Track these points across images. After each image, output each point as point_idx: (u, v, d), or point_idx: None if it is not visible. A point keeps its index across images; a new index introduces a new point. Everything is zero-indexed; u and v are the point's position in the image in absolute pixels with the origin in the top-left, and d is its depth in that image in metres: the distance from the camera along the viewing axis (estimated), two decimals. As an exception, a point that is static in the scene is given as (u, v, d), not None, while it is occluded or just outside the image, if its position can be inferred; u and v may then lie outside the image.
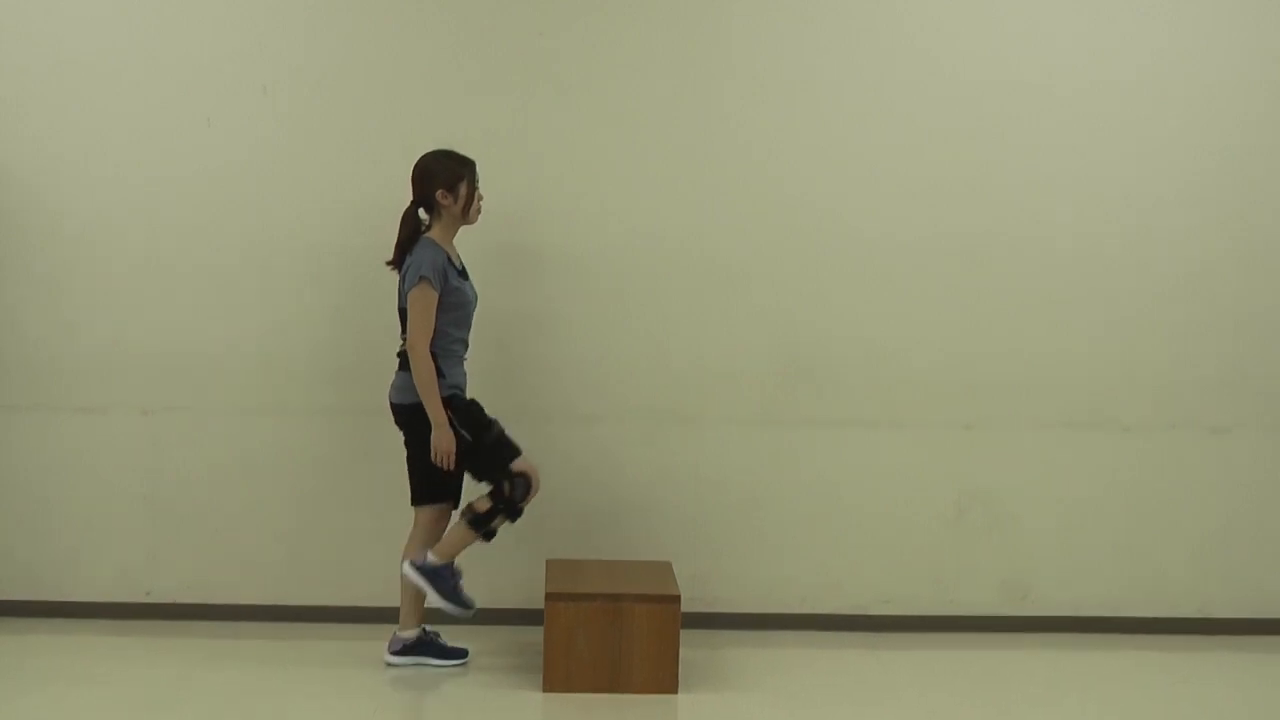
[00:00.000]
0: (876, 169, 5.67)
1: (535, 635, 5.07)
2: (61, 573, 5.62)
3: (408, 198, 5.55)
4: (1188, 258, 5.74)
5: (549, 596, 4.93)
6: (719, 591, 5.68)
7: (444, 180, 5.02)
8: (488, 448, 5.02)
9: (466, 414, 5.03)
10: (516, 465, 5.04)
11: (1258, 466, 5.79)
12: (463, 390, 5.09)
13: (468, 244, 5.23)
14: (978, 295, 5.71)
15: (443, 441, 4.94)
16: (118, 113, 5.56)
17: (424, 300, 4.93)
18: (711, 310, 5.67)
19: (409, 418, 5.03)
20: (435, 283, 4.93)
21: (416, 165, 5.06)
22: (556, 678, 4.91)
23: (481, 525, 5.02)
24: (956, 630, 5.70)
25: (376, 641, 5.25)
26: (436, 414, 4.94)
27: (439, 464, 4.96)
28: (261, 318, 5.61)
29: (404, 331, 5.04)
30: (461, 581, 5.07)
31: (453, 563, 5.05)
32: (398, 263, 5.05)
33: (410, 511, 5.14)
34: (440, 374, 4.97)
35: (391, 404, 5.08)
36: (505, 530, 5.08)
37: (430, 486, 5.07)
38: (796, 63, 5.64)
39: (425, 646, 5.13)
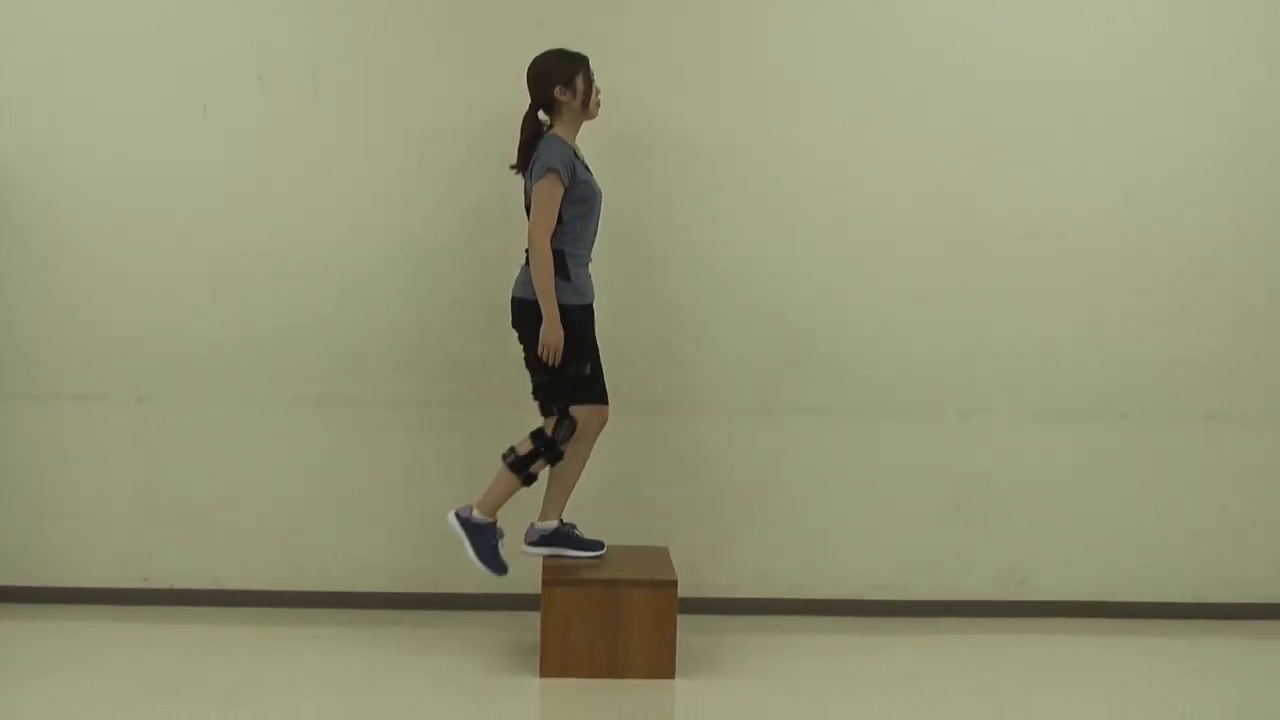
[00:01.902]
0: (873, 160, 5.68)
1: (532, 621, 5.07)
2: (59, 559, 5.63)
3: (404, 191, 5.58)
4: (1185, 247, 5.75)
5: (546, 582, 4.94)
6: (716, 577, 5.69)
7: (561, 77, 5.01)
8: (569, 378, 4.98)
9: (579, 333, 4.96)
10: (578, 410, 5.00)
11: (1254, 454, 5.80)
12: (588, 294, 5.04)
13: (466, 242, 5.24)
14: (974, 284, 5.72)
15: (551, 335, 4.90)
16: (114, 103, 5.56)
17: (551, 192, 4.90)
18: (708, 299, 5.67)
19: (528, 315, 4.97)
20: (564, 176, 4.91)
21: (530, 68, 5.05)
22: (554, 663, 4.91)
23: (523, 468, 5.00)
24: (953, 616, 5.72)
25: (374, 628, 5.26)
26: (549, 307, 4.89)
27: (544, 358, 4.92)
28: (259, 307, 5.61)
29: None
30: (501, 542, 5.07)
31: (495, 522, 5.04)
32: (522, 166, 5.03)
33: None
34: (566, 276, 4.94)
35: (514, 299, 5.01)
36: (502, 516, 5.08)
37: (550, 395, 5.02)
38: (794, 58, 5.64)
39: (563, 538, 5.12)
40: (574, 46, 5.50)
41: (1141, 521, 5.79)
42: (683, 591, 5.02)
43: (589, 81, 5.06)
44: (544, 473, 5.10)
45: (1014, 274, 5.72)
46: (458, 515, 5.05)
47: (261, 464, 5.64)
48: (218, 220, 5.59)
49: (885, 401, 5.73)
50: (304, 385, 5.63)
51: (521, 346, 5.05)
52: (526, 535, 5.15)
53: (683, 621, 4.98)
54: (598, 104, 5.10)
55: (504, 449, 5.06)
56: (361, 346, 5.62)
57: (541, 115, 5.07)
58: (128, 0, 5.57)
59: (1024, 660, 5.33)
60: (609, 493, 5.53)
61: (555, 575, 4.97)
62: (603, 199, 5.10)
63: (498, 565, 5.05)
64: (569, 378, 4.98)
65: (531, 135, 5.04)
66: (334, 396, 5.63)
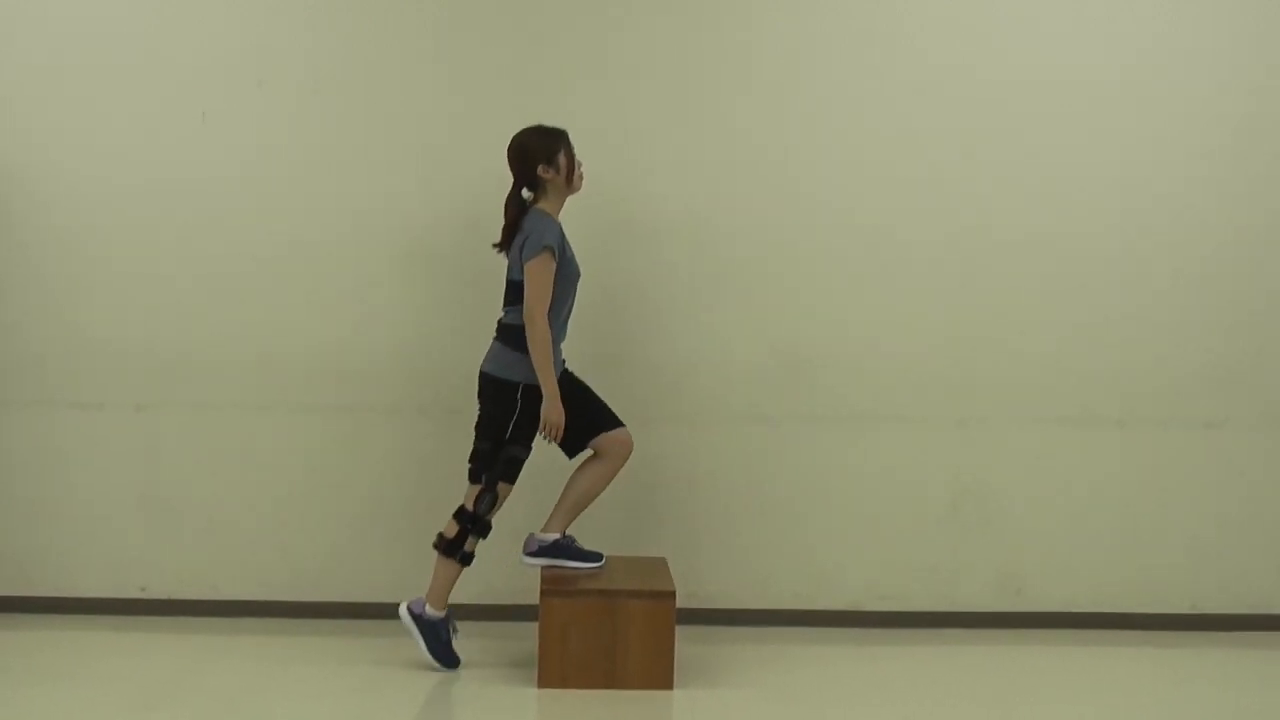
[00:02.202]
0: (871, 166, 5.68)
1: (530, 631, 5.07)
2: (56, 568, 5.62)
3: (403, 194, 5.57)
4: (1182, 254, 5.75)
5: (544, 593, 4.93)
6: (714, 587, 5.69)
7: (544, 154, 5.00)
8: (509, 456, 5.00)
9: (535, 414, 4.99)
10: (503, 487, 5.03)
11: (1252, 462, 5.80)
12: (560, 366, 5.06)
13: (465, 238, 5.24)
14: (972, 291, 5.72)
15: (554, 413, 4.92)
16: (113, 108, 5.56)
17: (546, 270, 4.90)
18: (707, 307, 5.67)
19: (496, 392, 4.99)
20: (556, 253, 4.91)
21: (511, 146, 5.04)
22: (551, 674, 4.91)
23: (456, 550, 5.01)
24: (951, 626, 5.72)
25: (372, 638, 5.26)
26: (550, 385, 4.91)
27: (548, 436, 4.95)
28: (257, 314, 5.61)
29: (509, 302, 5.00)
30: (453, 637, 5.09)
31: (447, 615, 5.07)
32: (505, 245, 5.03)
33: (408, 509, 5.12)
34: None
35: (483, 373, 5.03)
36: (502, 527, 5.09)
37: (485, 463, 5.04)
38: (792, 62, 5.65)
39: (562, 549, 5.11)
40: (576, 54, 5.52)
41: (1139, 530, 5.79)
42: (681, 602, 5.02)
43: (570, 156, 5.05)
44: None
45: (1011, 281, 5.72)
46: (410, 609, 5.05)
47: (260, 471, 5.64)
48: (216, 226, 5.59)
49: (883, 410, 5.73)
50: (302, 392, 5.63)
51: (478, 409, 5.05)
52: (525, 545, 5.15)
53: (681, 632, 4.98)
54: (581, 177, 5.08)
55: (542, 461, 5.09)
56: (360, 352, 5.62)
57: (525, 193, 5.06)
58: (128, 4, 5.57)
59: (1021, 669, 5.33)
60: (607, 502, 5.51)
61: (553, 585, 4.96)
62: (580, 281, 5.10)
63: (450, 660, 5.06)
64: (509, 455, 4.99)
65: (516, 214, 5.02)
66: (333, 403, 5.63)
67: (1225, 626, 5.76)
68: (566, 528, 5.15)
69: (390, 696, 4.85)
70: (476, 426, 5.05)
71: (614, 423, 5.14)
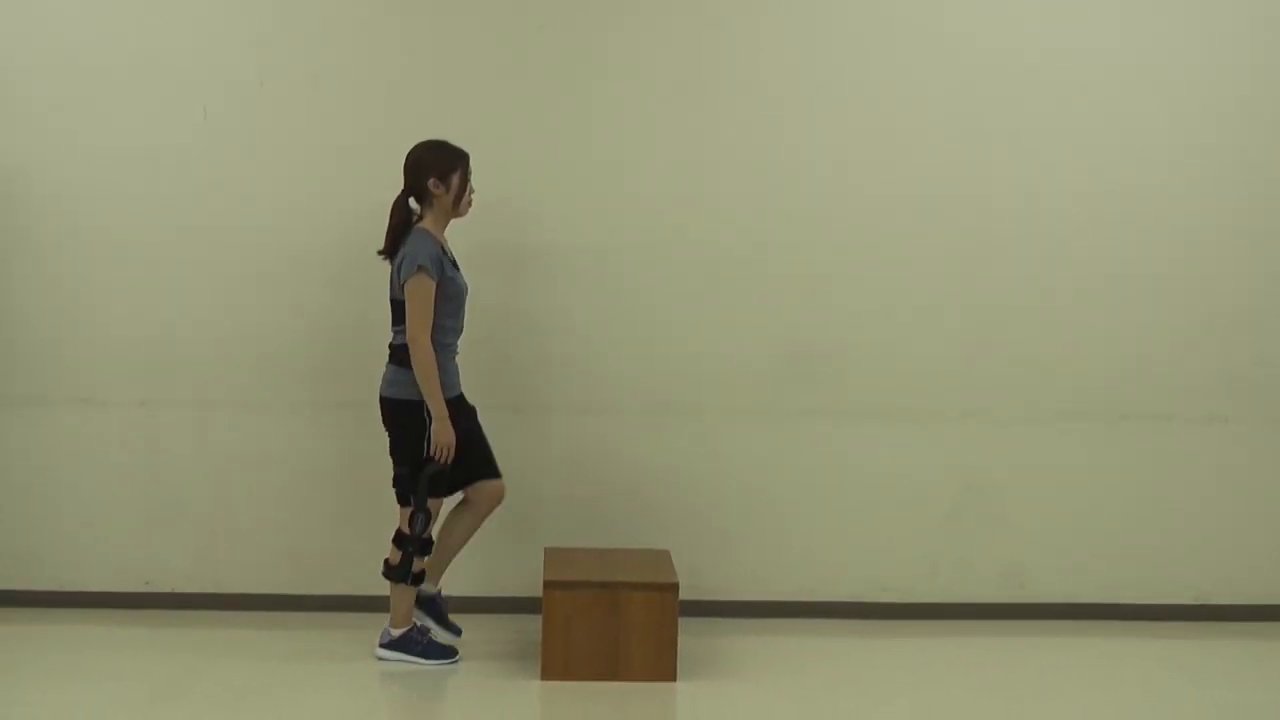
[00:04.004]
0: (875, 163, 5.68)
1: (533, 623, 5.07)
2: (60, 563, 5.63)
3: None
4: (1186, 248, 5.75)
5: (547, 585, 4.93)
6: (717, 580, 5.68)
7: (437, 170, 4.98)
8: (427, 475, 4.94)
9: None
10: (433, 503, 5.00)
11: (1254, 455, 5.80)
12: (455, 388, 5.04)
13: (465, 239, 5.23)
14: (976, 287, 5.72)
15: (444, 435, 4.89)
16: (116, 106, 5.56)
17: (422, 290, 4.88)
18: (709, 301, 5.67)
19: (399, 414, 4.97)
20: (433, 272, 4.89)
21: (410, 154, 5.03)
22: (555, 666, 4.91)
23: (403, 574, 5.00)
24: (954, 618, 5.71)
25: (376, 631, 5.25)
26: (438, 406, 4.89)
27: (438, 458, 4.91)
28: (259, 311, 5.62)
29: (395, 323, 5.00)
30: (431, 635, 5.08)
31: (414, 624, 5.06)
32: (389, 252, 5.01)
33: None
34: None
35: (382, 399, 5.01)
36: (504, 520, 5.09)
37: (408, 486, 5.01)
38: (794, 57, 5.65)
39: (411, 644, 5.05)
40: (574, 50, 5.52)
41: (1143, 523, 5.79)
42: (684, 594, 5.02)
43: (465, 179, 5.02)
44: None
45: (1015, 277, 5.72)
46: (381, 645, 5.05)
47: (263, 467, 5.64)
48: (217, 224, 5.59)
49: (886, 404, 5.73)
50: (305, 389, 5.63)
51: (387, 434, 5.03)
52: (380, 637, 5.09)
53: (684, 624, 4.98)
54: (469, 203, 5.05)
55: (546, 455, 5.09)
56: (362, 349, 5.60)
57: (413, 203, 5.03)
58: (130, 4, 5.58)
59: (1025, 663, 5.33)
60: (610, 496, 5.53)
61: (557, 578, 4.96)
62: (467, 293, 5.06)
63: (445, 653, 5.06)
64: (430, 472, 4.94)
65: (401, 223, 5.00)
66: (335, 400, 5.63)
67: (1229, 618, 5.76)
68: (439, 579, 5.13)
69: (394, 689, 4.85)
70: (390, 452, 5.01)
71: (492, 471, 5.10)
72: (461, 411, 5.03)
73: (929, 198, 5.68)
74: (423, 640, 5.06)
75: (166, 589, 5.64)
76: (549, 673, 4.91)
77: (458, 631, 5.16)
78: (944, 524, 5.76)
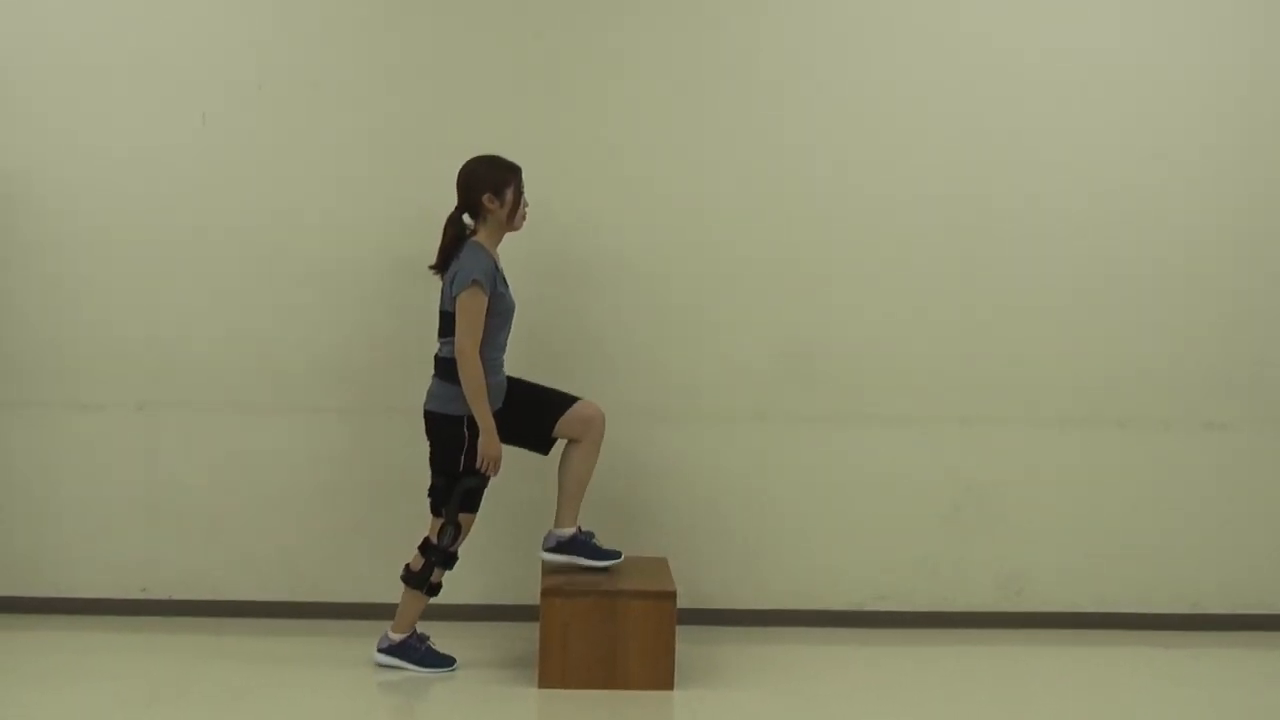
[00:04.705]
0: (874, 167, 5.68)
1: (531, 631, 5.07)
2: (57, 568, 5.62)
3: (403, 195, 5.57)
4: (1183, 254, 5.75)
5: (545, 593, 4.93)
6: (715, 587, 5.68)
7: (491, 185, 4.98)
8: (465, 489, 4.97)
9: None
10: (464, 518, 5.01)
11: (1254, 462, 5.80)
12: (499, 401, 5.02)
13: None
14: (974, 292, 5.72)
15: (490, 447, 4.90)
16: (114, 110, 5.56)
17: (475, 304, 4.88)
18: (707, 305, 5.67)
19: (440, 427, 4.98)
20: (486, 287, 4.89)
21: (463, 170, 5.02)
22: (552, 674, 4.91)
23: (422, 583, 5.01)
24: (952, 626, 5.71)
25: (372, 638, 5.24)
26: (485, 420, 4.89)
27: (484, 471, 4.92)
28: (258, 315, 5.61)
29: (443, 334, 5.00)
30: (430, 643, 5.08)
31: (414, 631, 5.06)
32: (441, 267, 5.01)
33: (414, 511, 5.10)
34: None
35: (427, 413, 5.01)
36: (502, 527, 5.09)
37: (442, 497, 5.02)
38: (792, 60, 5.65)
39: (579, 546, 5.07)
40: (571, 56, 5.52)
41: (1140, 530, 5.79)
42: (682, 602, 5.02)
43: (519, 194, 5.02)
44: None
45: (1012, 282, 5.72)
46: (380, 650, 5.06)
47: (260, 473, 5.64)
48: (216, 228, 5.59)
49: (884, 410, 5.72)
50: (303, 394, 5.63)
51: (428, 445, 5.04)
52: (544, 541, 5.13)
53: (682, 632, 4.98)
54: (524, 217, 5.06)
55: (542, 464, 5.07)
56: (360, 355, 5.62)
57: (466, 219, 5.04)
58: (129, 7, 5.57)
59: (1023, 670, 5.33)
60: (608, 502, 5.52)
61: (554, 586, 4.96)
62: (515, 310, 5.08)
63: (443, 661, 5.06)
64: (465, 487, 4.96)
65: (454, 238, 5.00)
66: (333, 405, 5.63)
67: (1227, 626, 5.76)
68: (576, 518, 5.12)
69: (391, 697, 4.85)
70: (430, 462, 5.03)
71: (569, 400, 5.10)
72: (506, 400, 5.03)
73: (928, 200, 5.68)
74: (421, 648, 5.05)
75: (163, 595, 5.63)
76: (546, 681, 4.91)
77: (614, 556, 5.11)
78: (942, 531, 5.76)
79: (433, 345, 5.55)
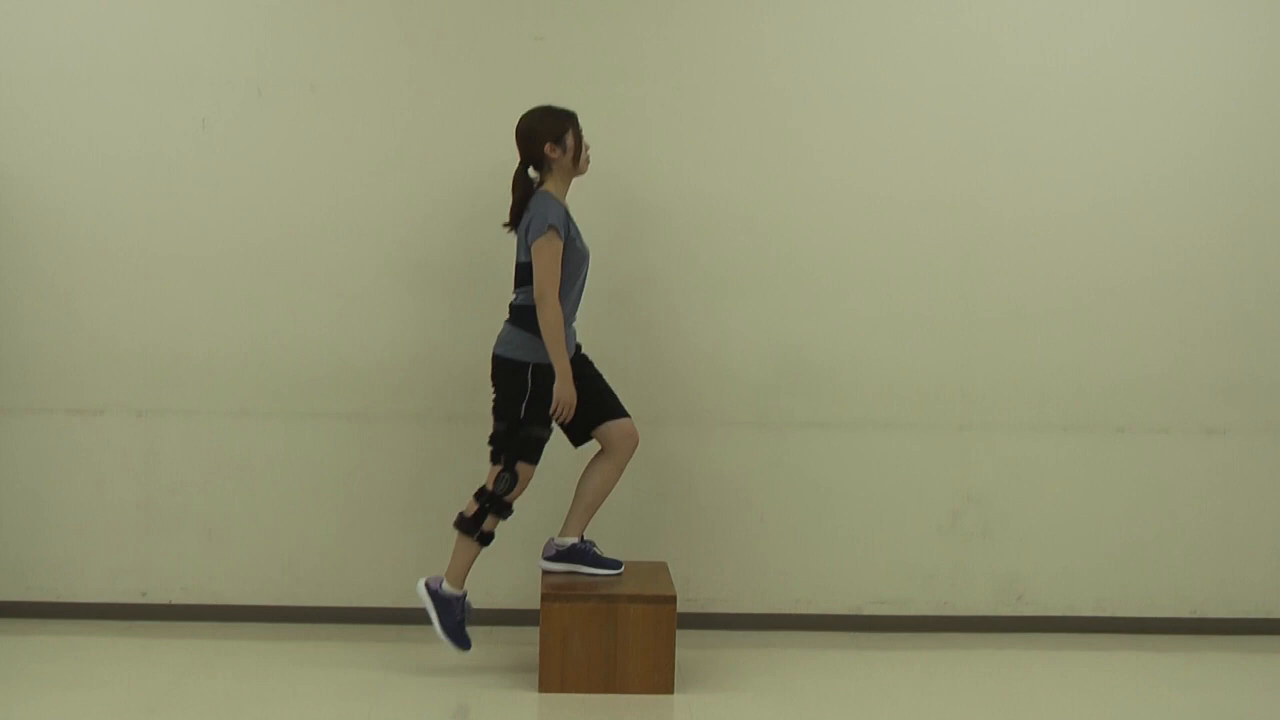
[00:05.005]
0: (876, 173, 5.68)
1: (531, 636, 5.07)
2: (56, 574, 5.62)
3: (403, 201, 5.58)
4: (1182, 260, 5.76)
5: (545, 597, 4.93)
6: (715, 592, 5.69)
7: (550, 134, 5.01)
8: (526, 436, 4.98)
9: (545, 393, 4.98)
10: (522, 467, 5.02)
11: (1252, 468, 5.81)
12: (573, 349, 5.06)
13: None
14: (972, 298, 5.72)
15: (565, 393, 4.92)
16: (114, 115, 5.57)
17: (551, 249, 4.90)
18: (707, 312, 5.68)
19: (505, 372, 4.99)
20: (561, 232, 4.92)
21: (520, 126, 5.05)
22: (552, 678, 4.91)
23: (474, 528, 5.01)
24: (951, 631, 5.71)
25: (372, 642, 5.26)
26: (562, 365, 4.91)
27: (558, 416, 4.94)
28: (257, 320, 5.62)
29: (519, 284, 5.01)
30: (468, 608, 5.07)
31: (464, 594, 5.05)
32: (514, 222, 5.03)
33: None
34: None
35: (495, 356, 5.02)
36: (501, 531, 5.08)
37: (502, 444, 5.02)
38: (790, 67, 5.66)
39: (580, 555, 5.11)
40: (572, 60, 5.53)
41: (1140, 536, 5.79)
42: (681, 606, 5.02)
43: (578, 137, 5.06)
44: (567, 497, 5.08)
45: (1012, 288, 5.73)
46: (427, 585, 5.05)
47: (260, 478, 5.64)
48: (216, 232, 5.59)
49: (884, 415, 5.73)
50: (303, 399, 5.63)
51: (493, 391, 5.05)
52: (544, 550, 5.15)
53: (681, 636, 4.98)
54: (587, 160, 5.10)
55: (544, 467, 5.07)
56: (361, 359, 5.62)
57: (531, 172, 5.07)
58: (129, 11, 5.58)
59: (1022, 675, 5.33)
60: (608, 507, 5.50)
61: (554, 590, 4.96)
62: (590, 261, 5.10)
63: (462, 640, 5.04)
64: (526, 435, 4.98)
65: (523, 194, 5.03)
66: (333, 410, 5.63)
67: (1227, 631, 5.76)
68: (583, 530, 5.14)
69: (390, 701, 4.84)
70: (493, 409, 5.04)
71: (619, 412, 5.14)
72: (578, 367, 5.06)
73: (928, 205, 5.69)
74: (458, 615, 5.03)
75: (163, 600, 5.63)
76: (546, 685, 4.91)
77: (615, 566, 5.14)
78: (942, 536, 5.76)
79: (435, 349, 5.60)
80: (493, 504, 5.00)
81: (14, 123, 5.55)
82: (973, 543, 5.76)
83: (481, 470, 5.16)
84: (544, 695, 4.89)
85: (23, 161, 5.56)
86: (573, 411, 4.96)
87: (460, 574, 5.04)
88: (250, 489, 5.64)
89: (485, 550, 5.09)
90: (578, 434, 5.16)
